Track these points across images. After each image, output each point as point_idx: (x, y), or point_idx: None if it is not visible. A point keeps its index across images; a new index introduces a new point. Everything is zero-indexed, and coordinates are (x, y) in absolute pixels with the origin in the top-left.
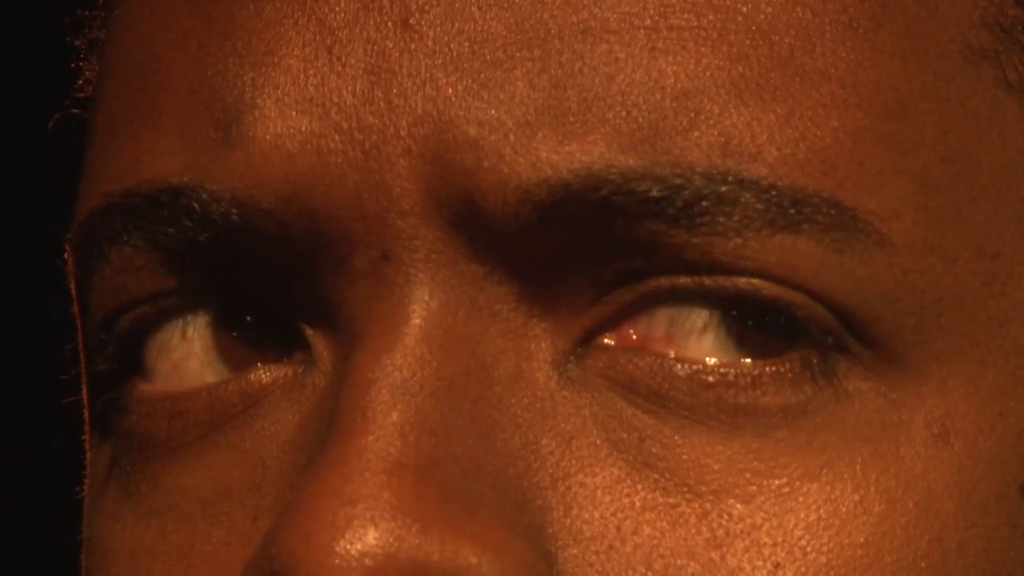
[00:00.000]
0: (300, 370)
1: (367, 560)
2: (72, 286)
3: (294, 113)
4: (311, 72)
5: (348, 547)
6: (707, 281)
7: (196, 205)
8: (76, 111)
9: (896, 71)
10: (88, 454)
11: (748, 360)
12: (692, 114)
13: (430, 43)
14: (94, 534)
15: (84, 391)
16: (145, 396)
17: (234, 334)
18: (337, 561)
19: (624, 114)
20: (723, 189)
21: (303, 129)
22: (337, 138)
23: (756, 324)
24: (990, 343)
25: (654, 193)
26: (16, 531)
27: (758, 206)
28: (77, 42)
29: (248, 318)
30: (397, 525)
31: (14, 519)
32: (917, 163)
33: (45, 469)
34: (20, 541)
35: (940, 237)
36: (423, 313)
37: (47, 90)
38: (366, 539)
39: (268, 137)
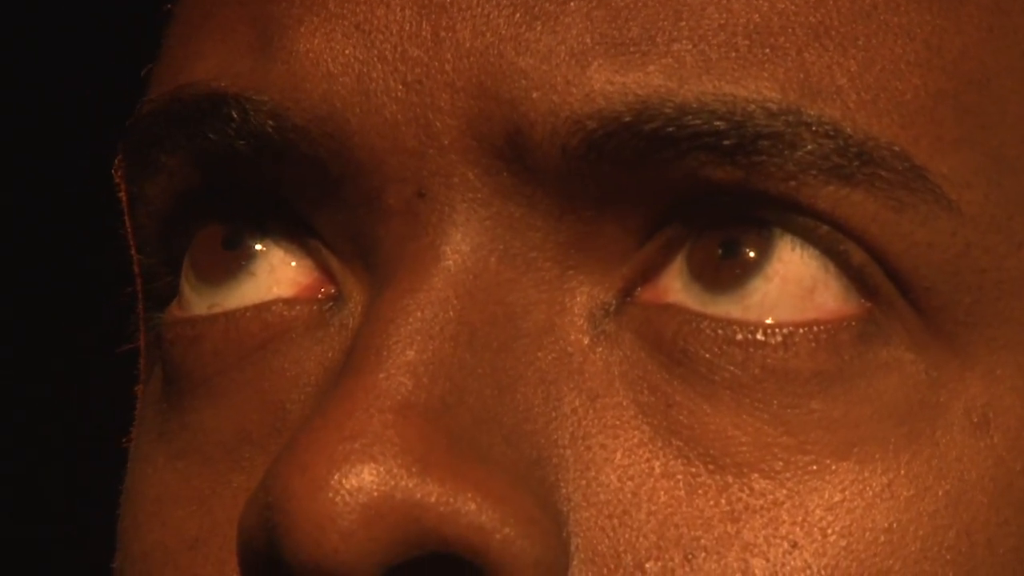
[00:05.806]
0: (327, 307)
1: (361, 496)
2: (124, 199)
3: (339, 35)
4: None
5: (343, 481)
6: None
7: (235, 113)
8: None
9: (982, 42)
10: (138, 401)
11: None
12: (767, 50)
13: None
14: (129, 480)
15: (141, 331)
16: (173, 320)
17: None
18: (330, 495)
19: (691, 47)
20: (784, 129)
21: (346, 52)
22: (380, 67)
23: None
24: None
25: (715, 125)
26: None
27: (818, 150)
28: None
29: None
30: (396, 464)
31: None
32: (995, 139)
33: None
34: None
35: (1009, 218)
36: (454, 256)
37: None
38: (362, 475)
39: (310, 53)
